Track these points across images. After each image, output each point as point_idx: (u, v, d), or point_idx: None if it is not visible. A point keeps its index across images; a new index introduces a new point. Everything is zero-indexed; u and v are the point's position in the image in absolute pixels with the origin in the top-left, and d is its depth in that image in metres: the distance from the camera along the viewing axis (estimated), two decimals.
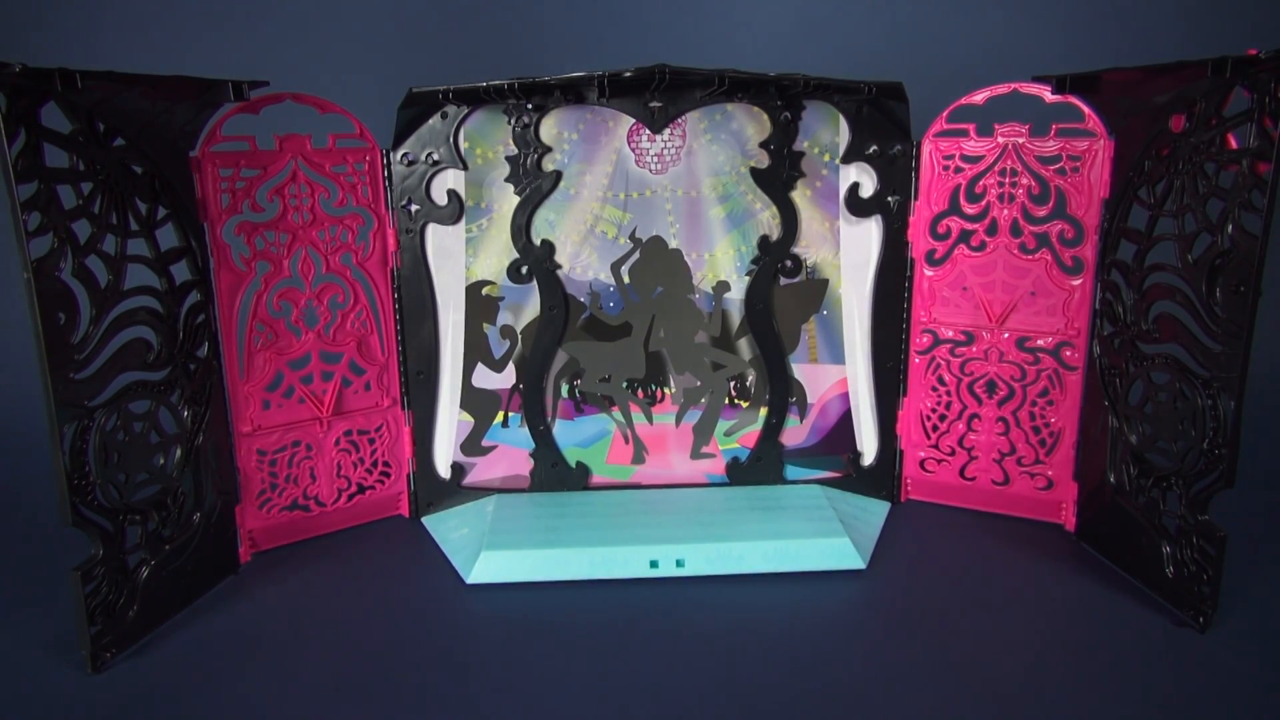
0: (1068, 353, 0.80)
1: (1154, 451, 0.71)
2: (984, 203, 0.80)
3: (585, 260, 0.84)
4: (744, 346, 0.87)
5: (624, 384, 0.87)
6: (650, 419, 0.88)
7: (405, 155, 0.80)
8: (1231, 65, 0.59)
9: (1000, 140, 0.78)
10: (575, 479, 0.88)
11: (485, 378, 0.86)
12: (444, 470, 0.87)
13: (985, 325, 0.83)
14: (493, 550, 0.75)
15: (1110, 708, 0.59)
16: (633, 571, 0.75)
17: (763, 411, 0.88)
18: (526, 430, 0.87)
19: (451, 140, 0.80)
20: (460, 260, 0.83)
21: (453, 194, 0.81)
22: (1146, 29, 1.12)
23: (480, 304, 0.84)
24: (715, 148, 0.82)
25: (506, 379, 0.86)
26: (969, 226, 0.81)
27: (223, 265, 0.74)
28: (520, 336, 0.85)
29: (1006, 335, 0.82)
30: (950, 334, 0.84)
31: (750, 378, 0.87)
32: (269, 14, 1.13)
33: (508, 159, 0.81)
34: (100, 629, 0.63)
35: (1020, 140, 0.78)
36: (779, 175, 0.82)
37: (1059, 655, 0.64)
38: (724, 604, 0.71)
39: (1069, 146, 0.76)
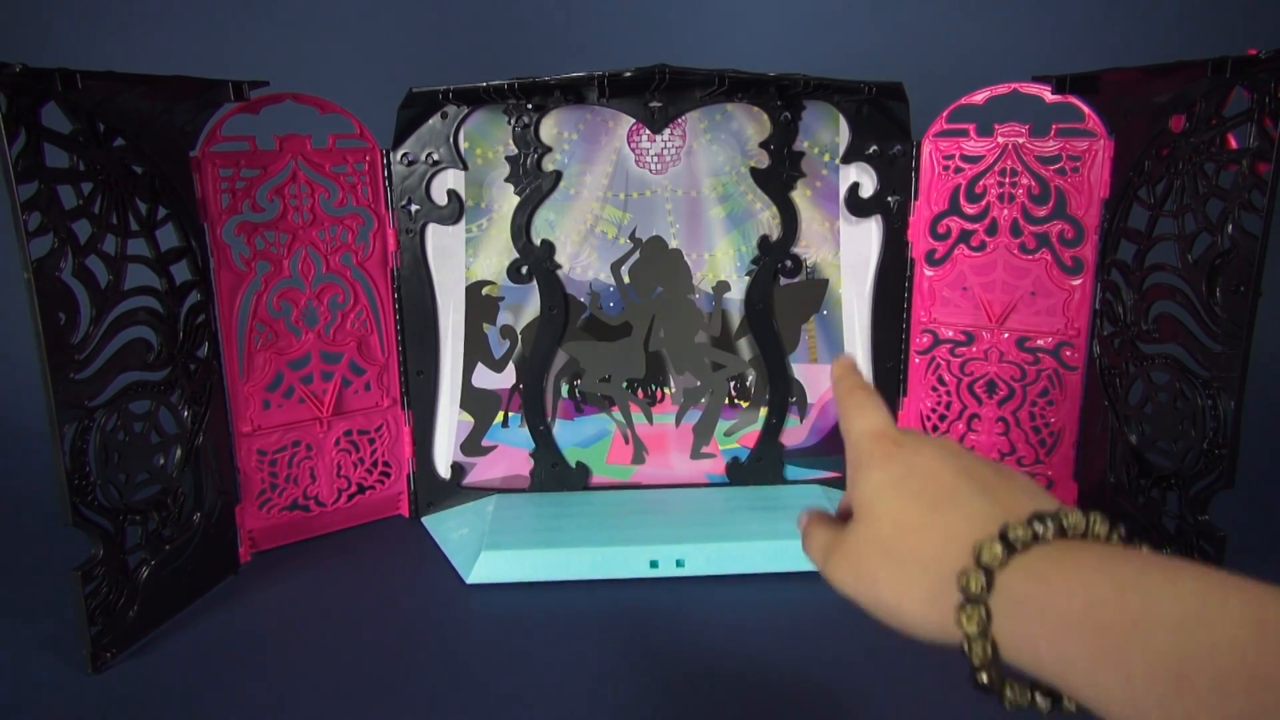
0: (1068, 353, 0.80)
1: (1154, 451, 0.71)
2: (984, 203, 0.80)
3: (585, 260, 0.84)
4: (744, 346, 0.87)
5: (624, 384, 0.87)
6: (650, 419, 0.88)
7: (405, 155, 0.80)
8: (1231, 65, 0.59)
9: (1000, 140, 0.78)
10: (575, 479, 0.88)
11: (485, 378, 0.86)
12: (444, 470, 0.87)
13: (985, 325, 0.83)
14: (493, 550, 0.75)
15: None
16: (633, 571, 0.75)
17: (763, 411, 0.88)
18: (526, 430, 0.87)
19: (451, 140, 0.80)
20: (460, 260, 0.83)
21: (453, 194, 0.81)
22: (1146, 29, 1.12)
23: (480, 304, 0.84)
24: (715, 148, 0.82)
25: (506, 379, 0.86)
26: (969, 226, 0.81)
27: (223, 265, 0.74)
28: (520, 336, 0.85)
29: (1006, 335, 0.82)
30: (950, 334, 0.84)
31: (750, 378, 0.87)
32: (269, 14, 1.13)
33: (508, 159, 0.81)
34: (100, 629, 0.63)
35: (1020, 140, 0.78)
36: (779, 175, 0.82)
37: None
38: (724, 604, 0.71)
39: (1069, 146, 0.76)
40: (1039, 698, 0.28)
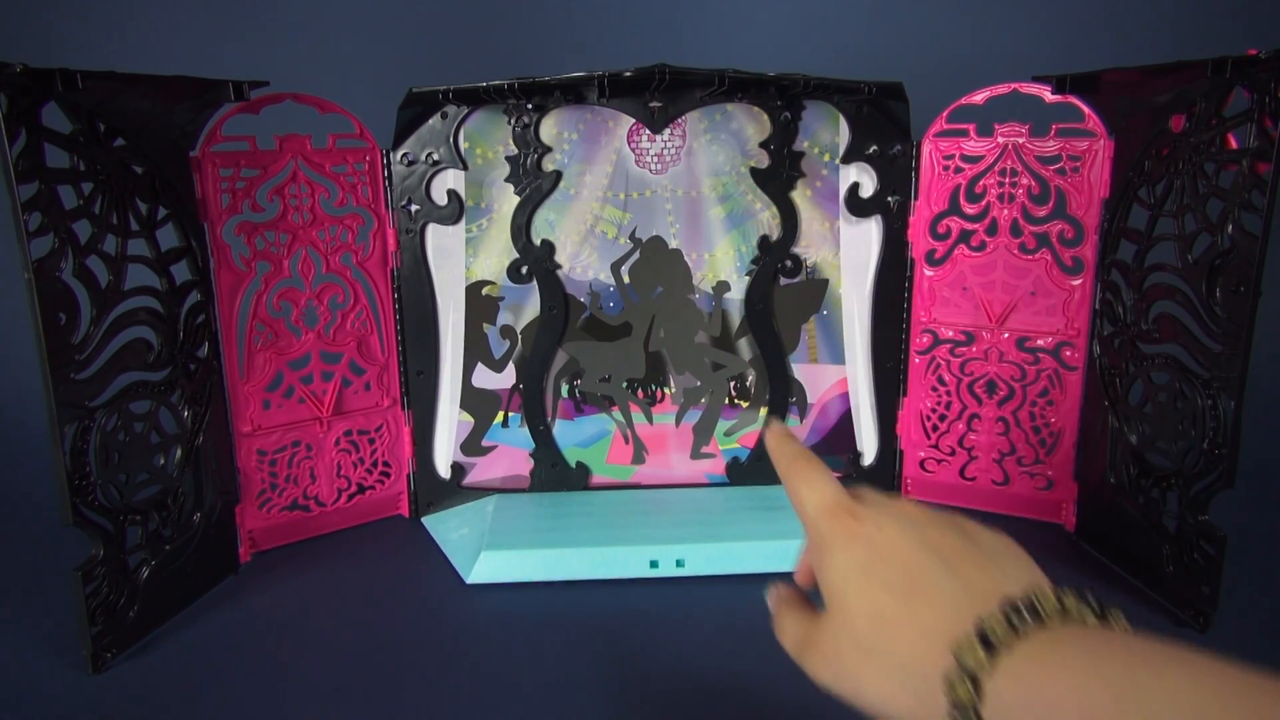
0: (1068, 353, 0.80)
1: (1154, 451, 0.71)
2: (984, 203, 0.80)
3: (585, 260, 0.84)
4: (744, 346, 0.87)
5: (624, 384, 0.87)
6: (650, 419, 0.88)
7: (405, 155, 0.80)
8: (1231, 65, 0.59)
9: (1000, 140, 0.78)
10: (575, 479, 0.88)
11: (485, 378, 0.86)
12: (444, 470, 0.87)
13: (985, 325, 0.83)
14: (493, 550, 0.75)
15: None
16: (633, 571, 0.75)
17: (763, 411, 0.88)
18: (526, 430, 0.87)
19: (451, 140, 0.80)
20: (460, 260, 0.83)
21: (453, 194, 0.81)
22: (1146, 29, 1.12)
23: (480, 304, 0.84)
24: (715, 148, 0.82)
25: (506, 379, 0.86)
26: (969, 226, 0.81)
27: (223, 265, 0.74)
28: (520, 336, 0.85)
29: (1006, 335, 0.82)
30: (950, 334, 0.84)
31: (750, 378, 0.87)
32: (269, 14, 1.13)
33: (508, 159, 0.81)
34: (100, 629, 0.63)
35: (1020, 140, 0.78)
36: (779, 175, 0.82)
37: None
38: (724, 604, 0.71)
39: (1069, 146, 0.76)
40: None
